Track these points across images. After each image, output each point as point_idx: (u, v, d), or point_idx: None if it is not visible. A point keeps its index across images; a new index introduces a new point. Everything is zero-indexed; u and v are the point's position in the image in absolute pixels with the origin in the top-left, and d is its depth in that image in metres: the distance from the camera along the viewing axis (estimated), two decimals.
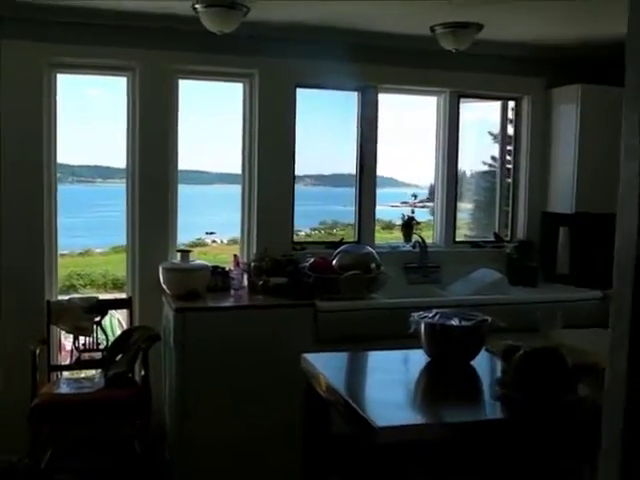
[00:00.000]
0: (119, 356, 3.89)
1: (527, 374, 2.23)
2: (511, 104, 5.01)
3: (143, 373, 3.75)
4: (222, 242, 5.93)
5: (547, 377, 2.21)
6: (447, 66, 4.50)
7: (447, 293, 4.42)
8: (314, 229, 4.98)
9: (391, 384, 2.47)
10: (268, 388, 3.69)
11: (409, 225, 4.78)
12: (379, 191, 4.69)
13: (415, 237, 4.73)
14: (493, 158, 5.15)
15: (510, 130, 5.05)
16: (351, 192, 4.67)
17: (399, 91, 4.70)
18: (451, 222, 4.88)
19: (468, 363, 2.62)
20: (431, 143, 4.86)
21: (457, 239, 4.96)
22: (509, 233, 5.06)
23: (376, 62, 4.44)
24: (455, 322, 2.65)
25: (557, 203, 4.82)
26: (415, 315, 2.72)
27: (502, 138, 5.07)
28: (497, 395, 2.25)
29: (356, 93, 4.59)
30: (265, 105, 4.31)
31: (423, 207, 5.07)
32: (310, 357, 2.70)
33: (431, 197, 5.03)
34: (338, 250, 4.20)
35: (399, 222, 4.88)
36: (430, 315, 2.70)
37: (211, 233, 5.64)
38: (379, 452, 1.95)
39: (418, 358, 2.69)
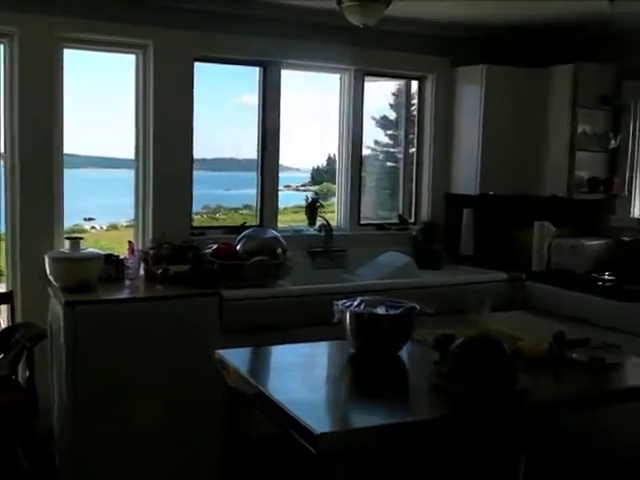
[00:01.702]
0: None
1: (466, 365, 2.09)
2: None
3: (28, 375, 3.36)
4: (101, 228, 5.54)
5: (488, 367, 2.07)
6: (353, 42, 4.34)
7: (355, 277, 4.27)
8: (197, 213, 4.72)
9: (322, 381, 2.29)
10: (170, 387, 3.41)
11: (313, 208, 4.59)
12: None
13: (320, 220, 4.55)
14: (376, 142, 5.03)
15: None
16: (231, 176, 4.46)
17: (303, 67, 4.47)
18: (356, 204, 4.74)
19: (396, 354, 2.46)
20: (315, 126, 4.65)
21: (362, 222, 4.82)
22: (413, 215, 4.98)
23: (279, 36, 4.21)
24: (382, 310, 2.49)
25: (461, 185, 4.78)
26: (339, 304, 2.53)
27: (406, 118, 4.96)
28: (436, 388, 2.10)
29: (258, 69, 4.33)
30: (160, 80, 3.98)
31: (305, 191, 4.89)
32: (225, 353, 2.45)
33: (313, 181, 4.87)
34: (242, 235, 3.95)
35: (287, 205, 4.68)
36: (355, 304, 2.52)
37: (90, 219, 5.26)
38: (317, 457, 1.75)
39: (343, 350, 2.50)
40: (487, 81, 4.52)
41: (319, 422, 1.78)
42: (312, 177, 4.98)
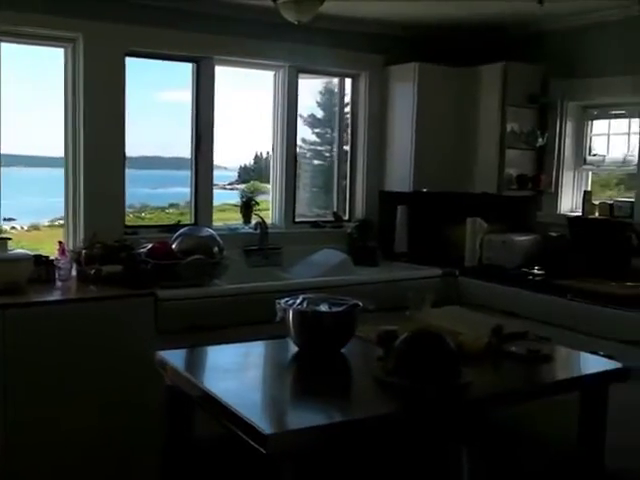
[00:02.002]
0: None
1: (411, 360, 2.11)
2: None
3: None
4: (22, 229, 5.36)
5: (432, 362, 2.10)
6: (287, 39, 4.33)
7: (291, 275, 4.27)
8: None
9: (268, 380, 2.27)
10: (104, 389, 3.31)
11: (248, 205, 4.56)
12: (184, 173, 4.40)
13: (255, 218, 4.52)
14: (304, 140, 5.01)
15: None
16: (157, 174, 4.39)
17: (237, 64, 4.42)
18: (291, 202, 4.72)
19: (339, 351, 2.47)
20: (242, 124, 4.59)
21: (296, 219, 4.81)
22: (347, 212, 5.01)
23: (213, 32, 4.15)
24: (324, 308, 2.48)
25: (395, 182, 4.83)
26: (281, 302, 2.51)
27: (340, 115, 4.98)
28: (381, 383, 2.11)
29: (191, 64, 4.26)
30: (90, 75, 3.86)
31: (232, 190, 4.86)
32: (166, 354, 2.40)
33: (240, 179, 4.84)
34: (178, 233, 3.88)
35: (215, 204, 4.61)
36: (298, 302, 2.51)
37: (10, 219, 5.08)
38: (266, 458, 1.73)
39: (285, 348, 2.49)
40: (420, 79, 4.57)
41: (268, 422, 1.77)
42: (239, 175, 4.93)
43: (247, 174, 4.97)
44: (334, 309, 2.46)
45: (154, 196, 4.60)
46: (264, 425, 1.73)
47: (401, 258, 4.75)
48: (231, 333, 3.44)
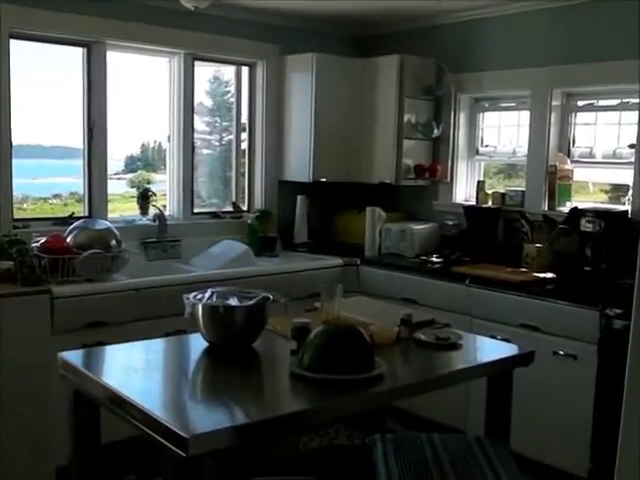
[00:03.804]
0: None
1: (327, 353, 2.10)
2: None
3: None
4: None
5: (348, 354, 2.10)
6: (183, 25, 4.22)
7: (191, 268, 4.17)
8: None
9: (180, 379, 2.19)
10: None
11: (145, 196, 4.41)
12: (70, 162, 4.23)
13: (153, 210, 4.39)
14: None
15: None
16: (35, 163, 4.18)
17: (130, 49, 4.26)
18: (189, 193, 4.61)
19: (251, 345, 2.43)
20: (128, 113, 4.40)
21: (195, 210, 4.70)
22: (247, 203, 4.95)
23: (106, 15, 3.97)
24: (234, 302, 2.43)
25: (294, 172, 4.81)
26: (190, 297, 2.44)
27: (237, 105, 4.90)
28: (298, 377, 2.09)
29: (82, 49, 4.06)
30: None
31: (119, 179, 4.71)
32: (70, 355, 2.28)
33: (127, 169, 4.71)
34: (72, 226, 3.71)
35: None
36: (207, 295, 2.45)
37: None
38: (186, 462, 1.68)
39: (195, 344, 2.42)
40: (318, 69, 4.57)
41: (187, 425, 1.71)
42: (126, 165, 4.77)
43: (134, 164, 4.81)
44: (244, 302, 2.42)
45: (35, 187, 4.37)
46: (183, 428, 1.67)
47: (301, 248, 4.75)
48: (133, 329, 3.37)
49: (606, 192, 4.28)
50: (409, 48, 4.62)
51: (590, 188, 4.29)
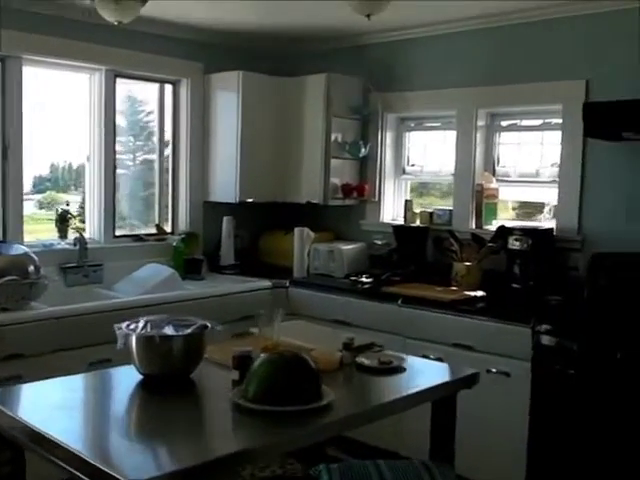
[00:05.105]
0: None
1: (273, 384, 2.01)
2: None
3: None
4: None
5: (294, 384, 2.02)
6: (105, 41, 4.07)
7: (115, 294, 3.99)
8: None
9: (116, 417, 2.04)
10: None
11: (64, 219, 4.20)
12: None
13: (73, 233, 4.19)
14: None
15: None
16: None
17: (48, 65, 4.06)
18: (110, 215, 4.42)
19: (188, 376, 2.31)
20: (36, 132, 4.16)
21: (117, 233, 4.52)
22: (171, 224, 4.80)
23: (22, 29, 3.77)
24: (170, 331, 2.31)
25: (220, 192, 4.70)
26: (122, 327, 2.30)
27: (160, 123, 4.75)
28: (241, 410, 1.99)
29: None
30: None
31: (27, 200, 4.47)
32: None
33: (35, 189, 4.48)
34: None
35: None
36: (140, 325, 2.31)
37: None
38: None
39: (128, 377, 2.28)
40: (244, 88, 4.48)
41: (126, 470, 1.57)
42: (34, 186, 4.53)
43: (42, 184, 4.57)
44: (181, 331, 2.30)
45: None
46: (123, 474, 1.54)
47: (228, 270, 4.63)
48: (53, 360, 3.19)
49: (514, 209, 4.38)
50: (336, 67, 4.60)
51: (509, 206, 4.38)
